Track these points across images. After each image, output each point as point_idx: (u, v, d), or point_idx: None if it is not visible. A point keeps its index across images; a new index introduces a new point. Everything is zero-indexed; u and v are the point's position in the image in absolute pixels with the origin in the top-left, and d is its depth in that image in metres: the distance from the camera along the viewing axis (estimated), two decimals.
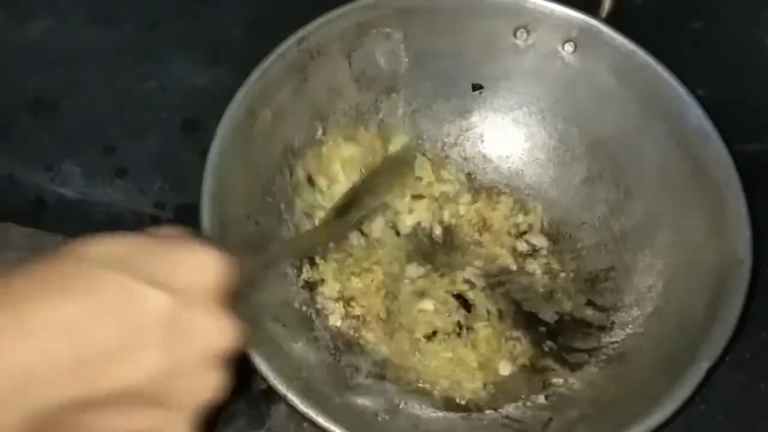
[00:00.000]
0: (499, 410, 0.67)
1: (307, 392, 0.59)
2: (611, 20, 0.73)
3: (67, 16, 0.84)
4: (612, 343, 0.70)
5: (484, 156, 0.78)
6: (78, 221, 0.75)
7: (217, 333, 0.41)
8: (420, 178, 0.75)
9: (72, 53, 0.82)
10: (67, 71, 0.81)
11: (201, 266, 0.41)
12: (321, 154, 0.72)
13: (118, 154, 0.78)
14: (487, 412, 0.67)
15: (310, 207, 0.72)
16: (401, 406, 0.67)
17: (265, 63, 0.69)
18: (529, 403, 0.67)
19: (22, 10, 0.84)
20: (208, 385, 0.41)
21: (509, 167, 0.77)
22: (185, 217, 0.74)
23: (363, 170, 0.72)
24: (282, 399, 0.58)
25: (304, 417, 0.58)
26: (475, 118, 0.77)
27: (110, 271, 0.39)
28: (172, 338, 0.39)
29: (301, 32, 0.70)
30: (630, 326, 0.70)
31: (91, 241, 0.41)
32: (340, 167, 0.72)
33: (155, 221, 0.75)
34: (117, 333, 0.38)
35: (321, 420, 0.57)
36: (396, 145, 0.75)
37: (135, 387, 0.39)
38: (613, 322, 0.71)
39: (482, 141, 0.78)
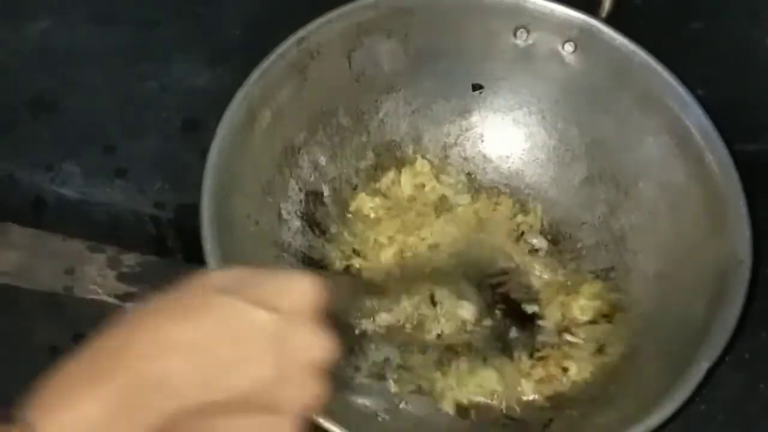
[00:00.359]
0: (501, 410, 0.67)
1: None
2: (611, 20, 0.73)
3: (67, 16, 0.84)
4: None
5: (484, 156, 0.78)
6: (78, 221, 0.75)
7: (316, 346, 0.46)
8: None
9: (72, 53, 0.82)
10: (67, 71, 0.81)
11: (301, 289, 0.47)
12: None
13: (118, 154, 0.78)
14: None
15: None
16: (401, 406, 0.67)
17: (265, 63, 0.69)
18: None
19: (22, 10, 0.84)
20: (310, 392, 0.46)
21: (509, 167, 0.77)
22: (185, 217, 0.74)
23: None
24: None
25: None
26: (475, 118, 0.77)
27: (224, 296, 0.45)
28: (279, 351, 0.45)
29: (301, 32, 0.70)
30: (630, 326, 0.69)
31: (210, 274, 0.48)
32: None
33: (155, 221, 0.75)
34: (231, 348, 0.44)
35: (320, 420, 0.57)
36: None
37: (248, 394, 0.44)
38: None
39: (482, 141, 0.78)
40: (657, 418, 0.59)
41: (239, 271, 0.48)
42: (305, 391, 0.46)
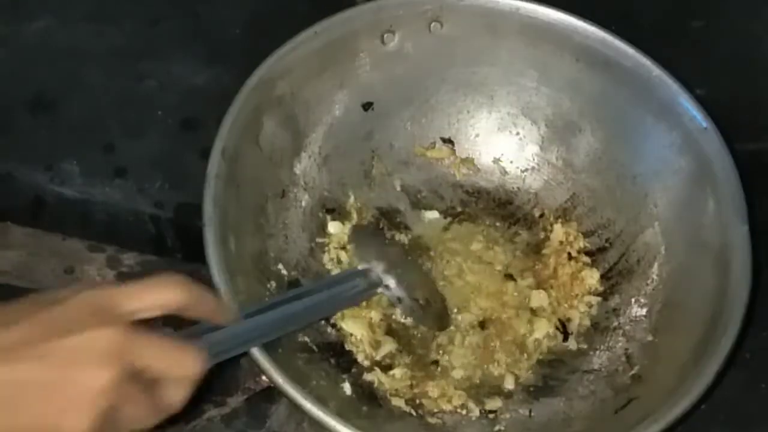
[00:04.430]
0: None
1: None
2: (611, 20, 0.73)
3: (66, 15, 0.84)
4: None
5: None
6: (77, 220, 0.75)
7: (99, 329, 0.47)
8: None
9: (71, 52, 0.82)
10: (66, 70, 0.81)
11: (87, 290, 0.49)
12: None
13: (117, 154, 0.77)
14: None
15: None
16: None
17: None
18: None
19: (21, 9, 0.84)
20: (96, 378, 0.46)
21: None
22: (185, 217, 0.74)
23: None
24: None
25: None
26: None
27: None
28: (61, 333, 0.46)
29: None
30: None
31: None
32: None
33: (155, 220, 0.75)
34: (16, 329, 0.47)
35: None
36: None
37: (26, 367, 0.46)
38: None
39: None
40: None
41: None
42: (85, 372, 0.46)
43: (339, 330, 0.69)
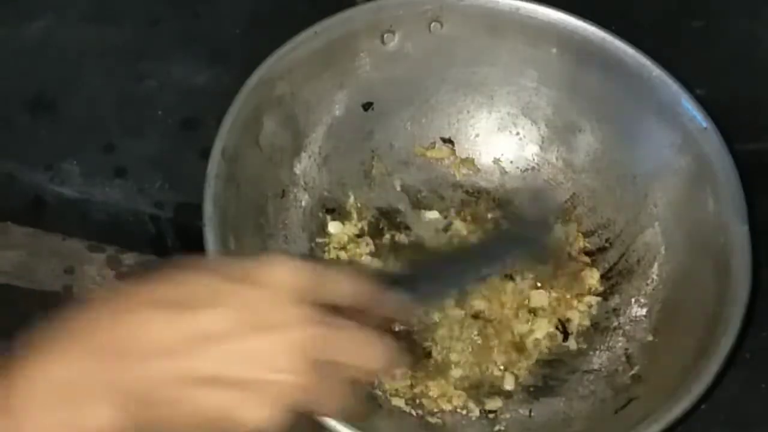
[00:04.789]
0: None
1: None
2: (611, 20, 0.73)
3: (66, 15, 0.84)
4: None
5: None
6: (77, 220, 0.75)
7: (298, 326, 0.45)
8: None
9: (71, 52, 0.82)
10: (66, 70, 0.81)
11: (279, 267, 0.46)
12: None
13: (117, 153, 0.77)
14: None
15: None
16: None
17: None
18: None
19: (21, 8, 0.84)
20: (286, 376, 0.44)
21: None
22: (185, 216, 0.74)
23: None
24: None
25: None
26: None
27: (202, 273, 0.46)
28: (248, 324, 0.44)
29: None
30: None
31: (185, 260, 0.47)
32: None
33: (155, 220, 0.75)
34: (199, 318, 0.44)
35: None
36: None
37: (209, 365, 0.44)
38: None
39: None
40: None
41: (218, 259, 0.49)
42: (282, 374, 0.44)
43: None
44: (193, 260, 0.47)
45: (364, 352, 0.47)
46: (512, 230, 0.71)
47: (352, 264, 0.71)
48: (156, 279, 0.46)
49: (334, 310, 0.47)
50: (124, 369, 0.44)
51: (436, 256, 0.70)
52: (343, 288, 0.49)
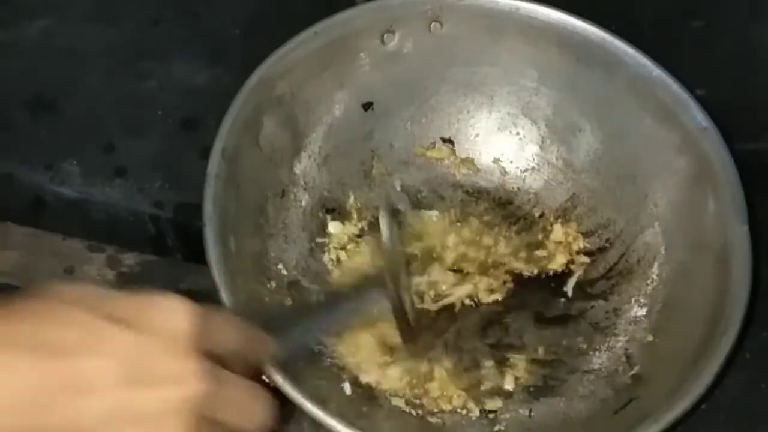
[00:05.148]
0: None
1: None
2: (610, 20, 0.73)
3: (66, 15, 0.84)
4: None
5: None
6: (77, 220, 0.75)
7: (187, 382, 0.40)
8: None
9: (71, 52, 0.82)
10: (66, 70, 0.81)
11: (170, 310, 0.41)
12: None
13: (117, 154, 0.77)
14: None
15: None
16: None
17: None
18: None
19: (21, 8, 0.84)
20: None
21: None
22: (185, 217, 0.74)
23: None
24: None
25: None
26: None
27: (76, 309, 0.40)
28: (133, 378, 0.39)
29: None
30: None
31: (61, 285, 0.42)
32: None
33: (155, 220, 0.75)
34: (75, 365, 0.38)
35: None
36: None
37: (87, 424, 0.38)
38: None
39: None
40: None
41: (95, 288, 0.42)
42: None
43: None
44: (69, 289, 0.41)
45: (248, 410, 0.44)
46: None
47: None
48: (21, 312, 0.40)
49: (218, 358, 0.43)
50: None
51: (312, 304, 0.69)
52: (229, 335, 0.45)
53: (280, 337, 0.53)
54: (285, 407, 0.56)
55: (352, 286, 0.69)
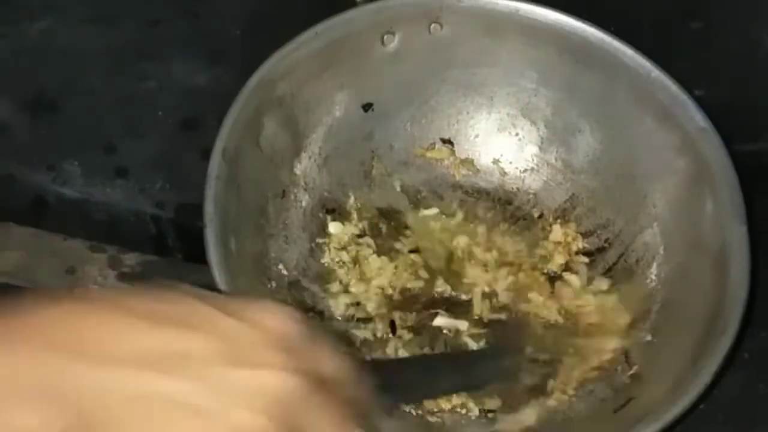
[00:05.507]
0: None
1: None
2: (610, 20, 0.73)
3: (66, 16, 0.84)
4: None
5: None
6: (78, 221, 0.75)
7: (280, 372, 0.41)
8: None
9: (72, 53, 0.82)
10: (66, 71, 0.81)
11: (276, 312, 0.42)
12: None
13: (118, 154, 0.78)
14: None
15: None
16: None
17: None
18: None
19: (21, 9, 0.84)
20: (254, 417, 0.40)
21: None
22: (186, 217, 0.74)
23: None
24: None
25: None
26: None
27: (190, 296, 0.42)
28: (232, 358, 0.40)
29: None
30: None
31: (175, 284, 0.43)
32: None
33: (156, 221, 0.75)
34: (190, 339, 0.40)
35: None
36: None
37: (191, 392, 0.39)
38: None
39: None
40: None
41: (205, 290, 0.43)
42: (247, 414, 0.39)
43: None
44: (181, 285, 0.43)
45: (333, 428, 0.42)
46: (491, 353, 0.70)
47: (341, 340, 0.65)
48: (138, 292, 0.42)
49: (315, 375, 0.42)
50: (78, 372, 0.38)
51: (419, 360, 0.67)
52: (329, 357, 0.44)
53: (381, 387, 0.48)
54: None
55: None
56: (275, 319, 0.42)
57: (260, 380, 0.40)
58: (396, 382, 0.53)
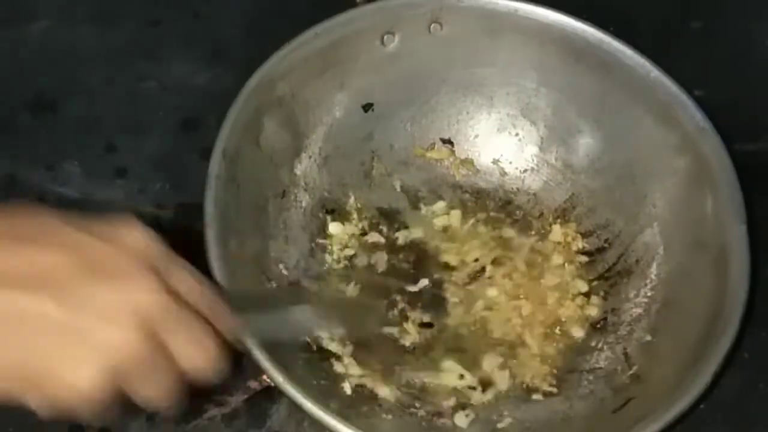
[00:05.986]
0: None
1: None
2: (610, 21, 0.73)
3: (66, 16, 0.84)
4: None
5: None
6: None
7: (144, 289, 0.43)
8: None
9: (72, 52, 0.82)
10: (67, 70, 0.81)
11: (137, 233, 0.45)
12: None
13: (118, 154, 0.78)
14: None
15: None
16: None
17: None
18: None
19: (21, 9, 0.84)
20: (119, 333, 0.42)
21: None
22: (186, 217, 0.74)
23: None
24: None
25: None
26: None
27: (45, 213, 0.43)
28: (91, 273, 0.42)
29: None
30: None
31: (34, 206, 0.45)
32: None
33: (156, 220, 0.75)
34: (52, 256, 0.41)
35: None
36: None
37: (54, 306, 0.41)
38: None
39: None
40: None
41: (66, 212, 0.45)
42: (113, 335, 0.41)
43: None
44: (40, 207, 0.45)
45: (195, 345, 0.45)
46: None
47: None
48: (2, 213, 0.43)
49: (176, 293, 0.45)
50: None
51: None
52: (191, 280, 0.47)
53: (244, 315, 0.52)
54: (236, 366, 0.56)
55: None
56: (138, 239, 0.45)
57: (126, 297, 0.42)
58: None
